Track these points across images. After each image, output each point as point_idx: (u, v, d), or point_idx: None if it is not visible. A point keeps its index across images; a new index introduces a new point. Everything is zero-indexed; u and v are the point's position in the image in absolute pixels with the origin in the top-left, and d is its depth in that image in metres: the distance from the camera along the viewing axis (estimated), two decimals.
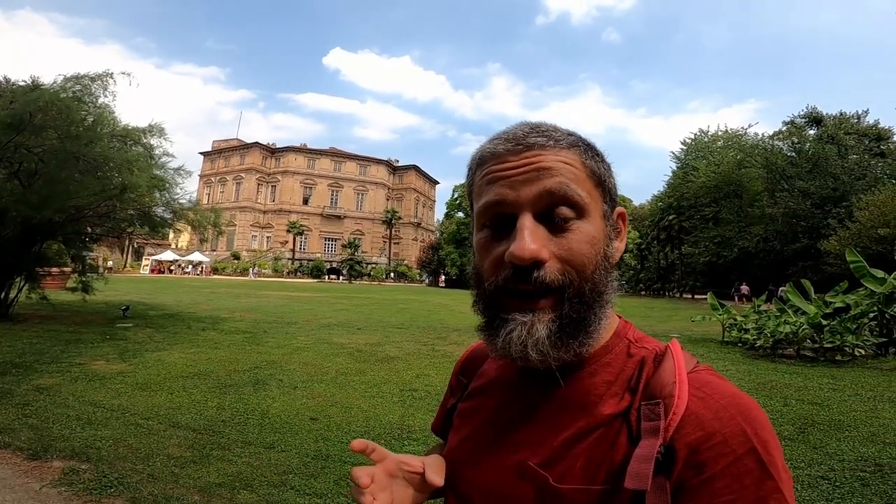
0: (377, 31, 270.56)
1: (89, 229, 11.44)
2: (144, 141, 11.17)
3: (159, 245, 52.91)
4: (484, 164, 0.55)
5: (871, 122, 34.88)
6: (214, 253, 56.59)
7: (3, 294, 10.11)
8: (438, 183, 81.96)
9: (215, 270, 51.14)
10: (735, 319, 10.82)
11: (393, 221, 61.57)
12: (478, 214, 0.55)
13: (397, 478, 0.58)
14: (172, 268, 49.69)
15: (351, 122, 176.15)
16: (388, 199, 68.65)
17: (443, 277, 51.45)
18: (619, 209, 0.59)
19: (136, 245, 50.25)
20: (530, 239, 0.49)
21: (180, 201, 11.68)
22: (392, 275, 57.53)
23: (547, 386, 0.55)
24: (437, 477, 0.59)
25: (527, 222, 0.50)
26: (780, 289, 28.43)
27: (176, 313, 12.72)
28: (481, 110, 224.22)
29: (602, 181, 0.55)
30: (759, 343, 9.36)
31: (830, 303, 9.86)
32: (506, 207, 0.51)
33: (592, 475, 0.48)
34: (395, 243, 66.29)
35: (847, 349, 8.33)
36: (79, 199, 9.68)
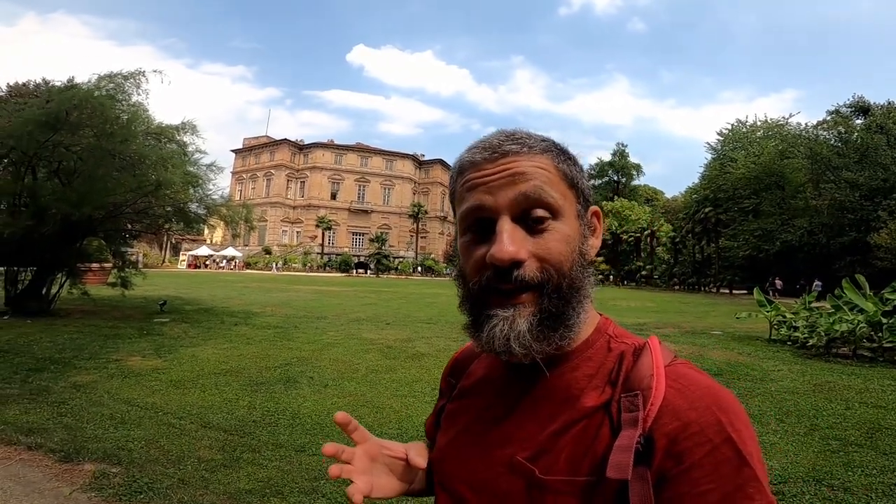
0: (398, 26, 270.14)
1: (129, 225, 11.73)
2: (178, 138, 11.37)
3: (195, 241, 54.61)
4: (463, 173, 0.58)
5: None
6: (247, 248, 57.99)
7: (45, 289, 10.48)
8: None
9: (248, 265, 52.41)
10: (784, 316, 10.20)
11: (419, 215, 61.60)
12: (460, 220, 0.58)
13: (378, 462, 0.62)
14: (208, 262, 51.21)
15: (376, 118, 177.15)
16: (414, 194, 68.74)
17: None
18: (593, 208, 0.61)
19: (173, 241, 51.98)
20: (509, 241, 0.52)
21: (213, 197, 11.84)
22: (419, 269, 57.62)
23: (531, 381, 0.57)
24: (420, 459, 0.65)
25: (505, 225, 0.53)
26: (816, 283, 27.16)
27: (210, 308, 12.94)
28: (505, 103, 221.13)
29: (574, 183, 0.58)
30: (811, 342, 8.78)
31: (889, 300, 9.16)
32: (485, 212, 0.54)
33: (577, 466, 0.50)
34: (421, 237, 66.40)
35: None
36: (116, 196, 9.91)
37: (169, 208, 11.19)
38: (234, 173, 67.45)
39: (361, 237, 64.06)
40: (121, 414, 4.07)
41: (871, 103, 33.62)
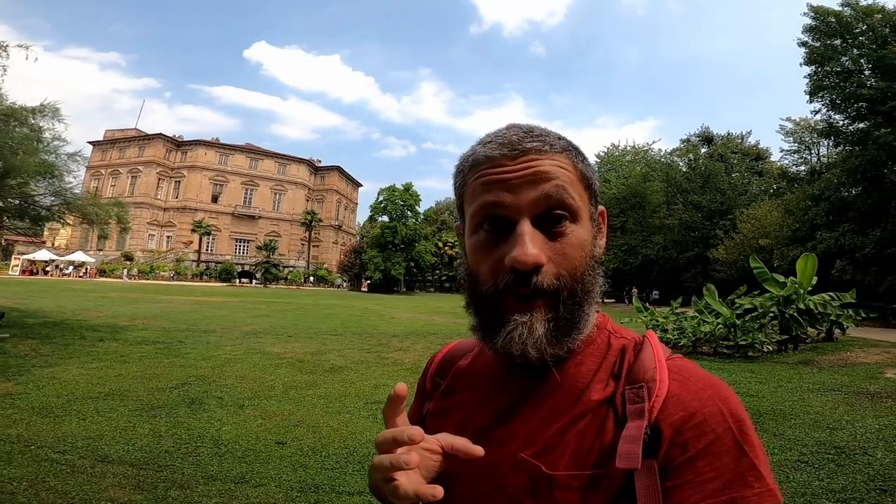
0: (308, 27, 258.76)
1: None
2: (31, 122, 9.47)
3: (31, 242, 45.79)
4: (477, 167, 0.55)
5: (752, 143, 40.04)
6: (101, 253, 50.10)
7: None
8: (361, 185, 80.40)
9: (102, 272, 45.26)
10: (657, 320, 11.62)
11: (313, 223, 58.97)
12: (472, 216, 0.55)
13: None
14: (49, 269, 43.17)
15: (270, 119, 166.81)
16: (308, 201, 65.64)
17: (367, 282, 50.21)
18: (600, 208, 0.61)
19: (3, 242, 42.92)
20: (531, 244, 0.50)
21: (74, 191, 9.98)
22: (311, 279, 55.03)
23: (534, 378, 0.56)
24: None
25: (526, 228, 0.51)
26: (654, 292, 32.01)
27: (61, 321, 10.89)
28: (407, 114, 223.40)
29: (590, 184, 0.58)
30: (681, 342, 10.12)
31: (738, 304, 10.94)
32: (504, 210, 0.52)
33: (583, 460, 0.50)
34: (314, 246, 63.50)
35: (757, 346, 9.25)
36: None
37: (15, 201, 9.16)
38: (89, 167, 58.04)
39: (247, 244, 59.25)
40: None
41: (715, 133, 40.33)
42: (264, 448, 3.52)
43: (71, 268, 43.89)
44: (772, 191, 34.81)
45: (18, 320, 10.25)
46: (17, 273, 40.02)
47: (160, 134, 58.69)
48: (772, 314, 10.02)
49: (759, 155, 39.13)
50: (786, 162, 34.08)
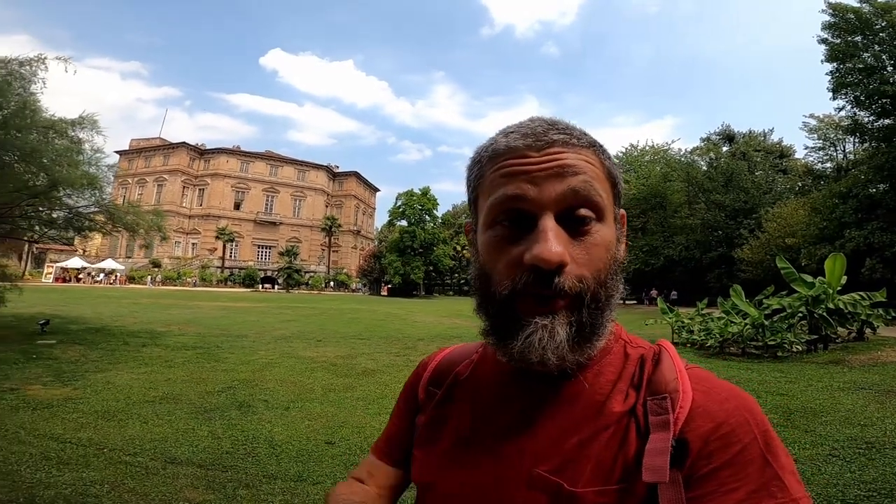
0: (320, 33, 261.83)
1: (13, 231, 9.90)
2: (71, 134, 9.91)
3: (63, 251, 47.48)
4: (497, 158, 0.52)
5: (775, 140, 39.23)
6: (130, 260, 51.65)
7: None
8: (379, 190, 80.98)
9: (132, 279, 46.66)
10: (683, 322, 11.57)
11: (333, 229, 59.76)
12: (489, 210, 0.51)
13: None
14: (81, 276, 44.69)
15: (287, 126, 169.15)
16: (327, 206, 66.53)
17: (386, 286, 50.67)
18: (621, 211, 0.58)
19: (35, 251, 44.61)
20: (555, 242, 0.47)
21: (115, 202, 10.44)
22: (331, 283, 55.72)
23: (546, 387, 0.53)
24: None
25: (550, 223, 0.48)
26: (672, 293, 31.63)
27: (101, 327, 11.38)
28: (422, 118, 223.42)
29: (616, 183, 0.55)
30: (709, 343, 10.08)
31: (764, 304, 10.83)
32: (526, 204, 0.49)
33: (608, 474, 0.48)
34: (333, 251, 64.33)
35: (786, 346, 9.18)
36: None
37: (60, 212, 9.65)
38: (116, 177, 59.88)
39: (269, 250, 60.35)
40: (55, 453, 3.42)
41: (736, 131, 39.62)
42: (315, 448, 3.74)
43: (102, 275, 45.36)
44: (797, 189, 34.09)
45: (61, 327, 10.74)
46: (51, 280, 41.48)
47: (184, 143, 60.12)
48: (801, 314, 9.91)
49: (783, 152, 38.34)
50: (811, 159, 33.43)
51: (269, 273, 55.14)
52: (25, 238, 13.12)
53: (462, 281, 59.21)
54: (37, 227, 10.90)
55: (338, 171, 70.36)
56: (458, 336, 12.35)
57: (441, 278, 55.24)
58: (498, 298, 0.50)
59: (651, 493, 0.46)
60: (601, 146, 0.54)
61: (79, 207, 9.71)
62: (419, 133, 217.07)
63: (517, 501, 0.50)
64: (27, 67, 8.21)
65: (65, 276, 43.94)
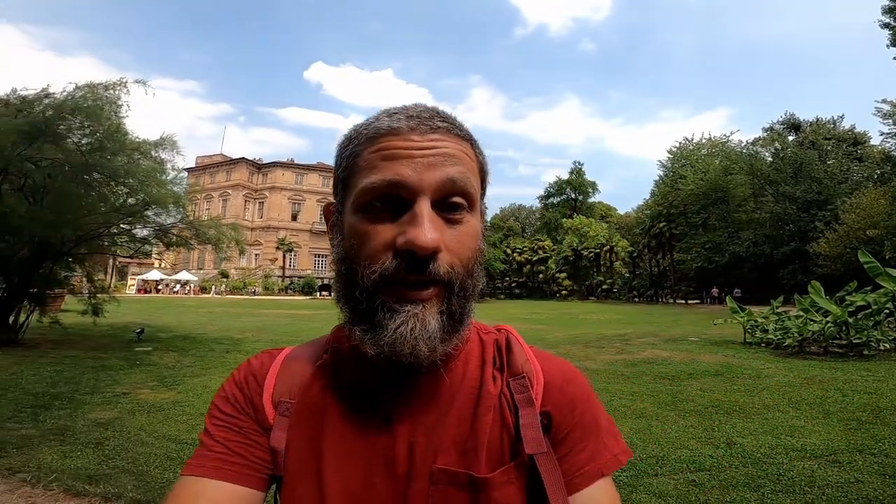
0: (358, 44, 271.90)
1: (105, 248, 11.02)
2: (154, 154, 10.79)
3: (142, 264, 51.63)
4: (379, 138, 0.50)
5: (847, 127, 36.27)
6: (202, 272, 55.41)
7: (12, 318, 9.67)
8: None
9: (203, 289, 50.03)
10: (756, 321, 11.00)
11: None
12: (363, 191, 0.48)
13: None
14: (160, 287, 48.47)
15: (334, 137, 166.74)
16: None
17: None
18: (485, 205, 0.60)
19: (118, 264, 48.91)
20: (431, 227, 0.46)
21: (202, 218, 11.36)
22: None
23: (423, 380, 0.52)
24: None
25: (427, 209, 0.47)
26: (735, 291, 29.73)
27: (187, 335, 12.34)
28: (465, 122, 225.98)
29: (485, 177, 0.57)
30: (786, 342, 9.55)
31: (846, 301, 10.12)
32: (403, 189, 0.47)
33: (501, 455, 0.51)
34: None
35: (872, 344, 8.56)
36: (96, 217, 9.33)
37: (150, 229, 10.63)
38: (186, 193, 64.52)
39: (324, 259, 62.83)
40: (175, 453, 3.82)
41: (801, 120, 37.04)
42: None
43: (178, 286, 48.99)
44: (875, 177, 31.27)
45: (152, 335, 11.73)
46: (133, 291, 45.32)
47: (243, 158, 63.86)
48: (888, 311, 9.21)
49: (857, 139, 35.38)
50: (888, 145, 30.50)
51: (325, 281, 57.28)
52: (110, 253, 14.45)
53: (514, 284, 58.75)
54: (130, 244, 12.04)
55: None
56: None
57: (492, 282, 55.04)
58: (365, 284, 0.47)
59: (532, 462, 0.50)
60: (476, 141, 0.56)
61: (168, 225, 10.63)
62: None
63: (422, 501, 0.48)
64: (111, 91, 8.91)
65: (146, 287, 47.77)
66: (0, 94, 9.68)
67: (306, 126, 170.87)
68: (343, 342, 0.56)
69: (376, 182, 0.48)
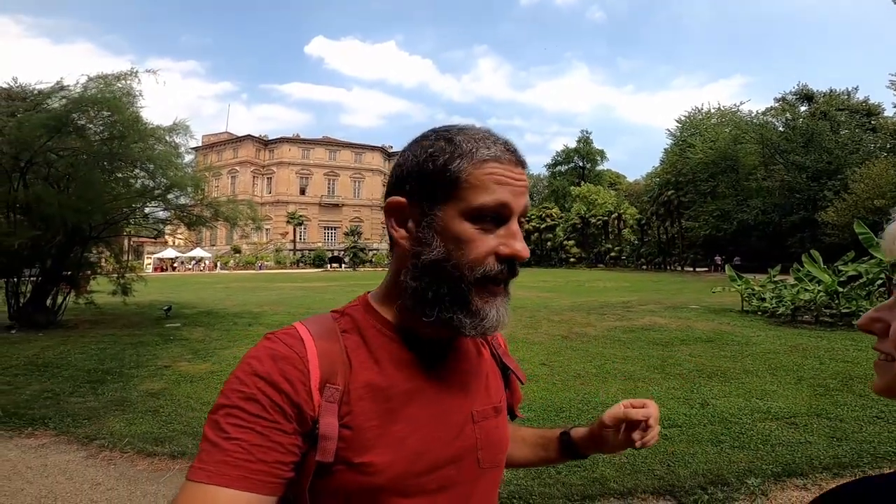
0: (359, 16, 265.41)
1: (129, 230, 11.57)
2: (168, 139, 11.10)
3: (156, 243, 52.55)
4: (484, 162, 0.58)
5: (860, 99, 35.39)
6: (214, 248, 56.41)
7: (50, 301, 10.29)
8: None
9: (216, 265, 51.07)
10: (753, 289, 11.26)
11: None
12: (478, 207, 0.57)
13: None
14: (175, 265, 49.52)
15: (338, 110, 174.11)
16: (384, 185, 68.01)
17: None
18: None
19: (133, 244, 49.96)
20: (523, 241, 0.61)
21: (220, 199, 11.81)
22: None
23: (450, 351, 0.67)
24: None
25: (518, 227, 0.61)
26: (735, 259, 29.97)
27: (209, 311, 12.74)
28: (469, 93, 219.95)
29: None
30: (779, 311, 9.85)
31: (842, 271, 10.38)
32: (506, 210, 0.59)
33: (499, 389, 0.73)
34: None
35: (861, 314, 8.85)
36: (121, 202, 9.79)
37: (172, 211, 11.14)
38: (199, 172, 64.94)
39: (334, 231, 63.48)
40: None
41: (815, 91, 36.15)
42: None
43: (193, 263, 50.03)
44: (888, 147, 30.75)
45: (177, 311, 12.01)
46: (150, 270, 46.23)
47: (249, 135, 63.76)
48: (880, 281, 9.49)
49: (871, 111, 34.53)
50: None
51: (335, 253, 58.03)
52: (134, 235, 14.98)
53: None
54: (153, 226, 12.56)
55: (392, 150, 71.79)
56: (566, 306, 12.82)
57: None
58: (468, 279, 0.58)
59: (507, 381, 0.77)
60: None
61: (189, 206, 11.11)
62: (468, 108, 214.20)
63: (467, 439, 0.64)
64: (123, 82, 9.19)
65: (162, 265, 48.70)
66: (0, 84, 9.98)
67: (310, 101, 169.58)
68: (365, 321, 0.65)
69: (490, 203, 0.57)
